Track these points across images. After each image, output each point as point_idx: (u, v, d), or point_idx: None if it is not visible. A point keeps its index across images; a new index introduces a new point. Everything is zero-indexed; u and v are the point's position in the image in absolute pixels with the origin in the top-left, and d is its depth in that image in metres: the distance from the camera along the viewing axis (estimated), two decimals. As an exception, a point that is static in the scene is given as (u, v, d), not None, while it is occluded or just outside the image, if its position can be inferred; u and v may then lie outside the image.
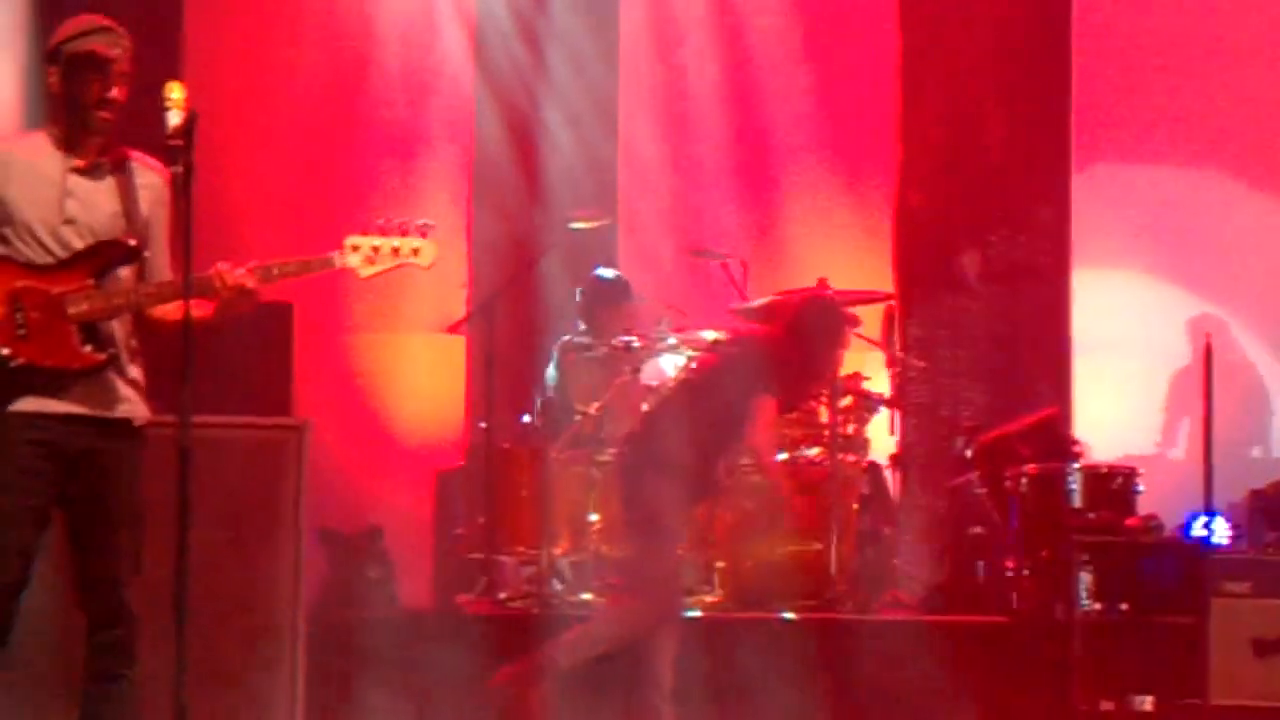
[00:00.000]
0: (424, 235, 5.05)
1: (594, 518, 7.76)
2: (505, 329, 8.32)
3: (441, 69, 9.69)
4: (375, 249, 5.00)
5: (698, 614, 7.41)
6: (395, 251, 5.02)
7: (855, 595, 7.72)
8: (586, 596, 7.69)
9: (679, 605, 6.91)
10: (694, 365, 7.49)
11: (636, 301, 8.43)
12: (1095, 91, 9.75)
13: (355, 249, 4.99)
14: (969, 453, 8.33)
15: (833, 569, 7.65)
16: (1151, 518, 7.69)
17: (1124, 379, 9.63)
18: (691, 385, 7.03)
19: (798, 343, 6.86)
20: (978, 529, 8.02)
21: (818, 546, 7.69)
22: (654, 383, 7.95)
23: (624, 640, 6.66)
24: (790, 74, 9.66)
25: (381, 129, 9.65)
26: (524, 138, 9.47)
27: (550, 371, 8.32)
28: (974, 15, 9.63)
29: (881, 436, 8.39)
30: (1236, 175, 9.68)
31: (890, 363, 8.41)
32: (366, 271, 5.02)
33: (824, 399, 7.81)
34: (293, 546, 6.03)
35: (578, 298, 8.48)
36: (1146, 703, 7.15)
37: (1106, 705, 7.15)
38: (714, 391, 6.75)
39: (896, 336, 8.56)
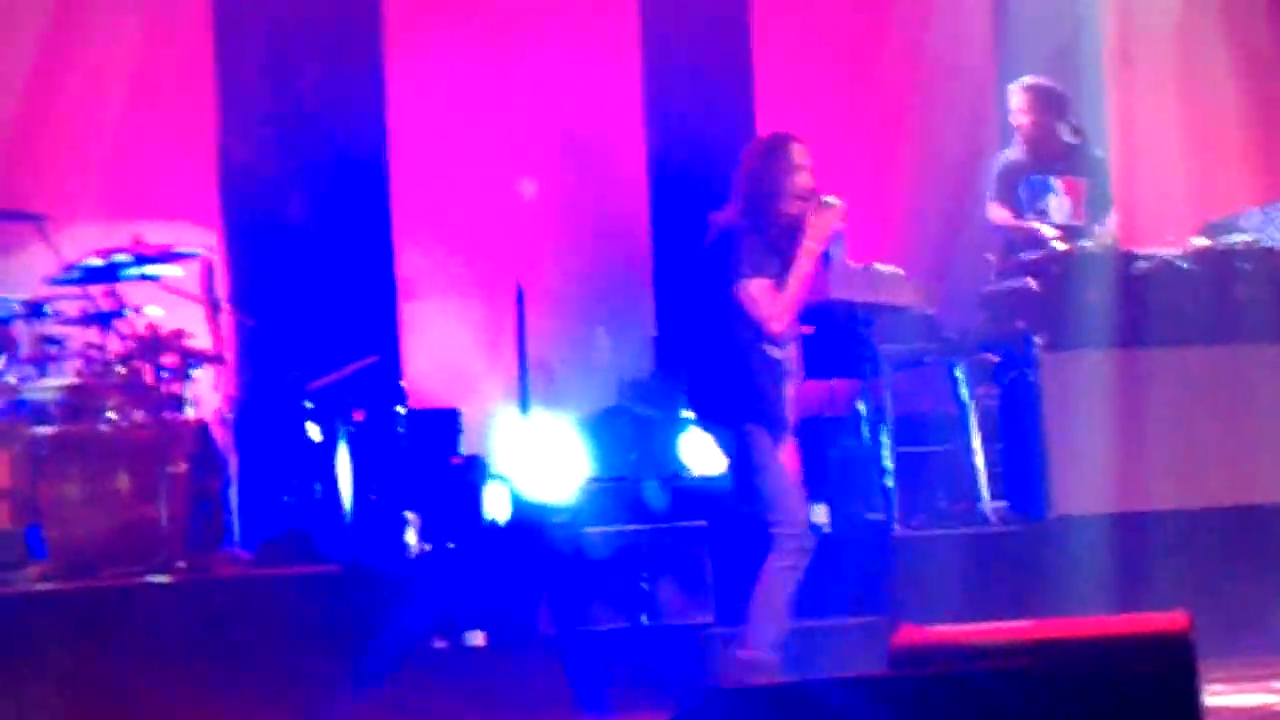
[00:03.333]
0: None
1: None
2: None
3: None
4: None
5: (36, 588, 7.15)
6: None
7: (188, 556, 7.61)
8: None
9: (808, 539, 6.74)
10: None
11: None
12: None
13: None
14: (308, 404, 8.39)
15: (164, 530, 7.52)
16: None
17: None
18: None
19: (741, 188, 6.83)
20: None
21: (149, 509, 7.55)
22: None
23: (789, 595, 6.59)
24: None
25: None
26: None
27: None
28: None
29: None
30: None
31: (211, 317, 8.30)
32: None
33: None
34: None
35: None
36: (478, 637, 7.39)
37: (440, 643, 7.35)
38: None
39: (219, 290, 8.46)
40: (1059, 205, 8.76)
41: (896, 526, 8.00)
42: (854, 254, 8.75)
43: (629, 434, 9.22)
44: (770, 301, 6.72)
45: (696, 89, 10.26)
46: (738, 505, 7.04)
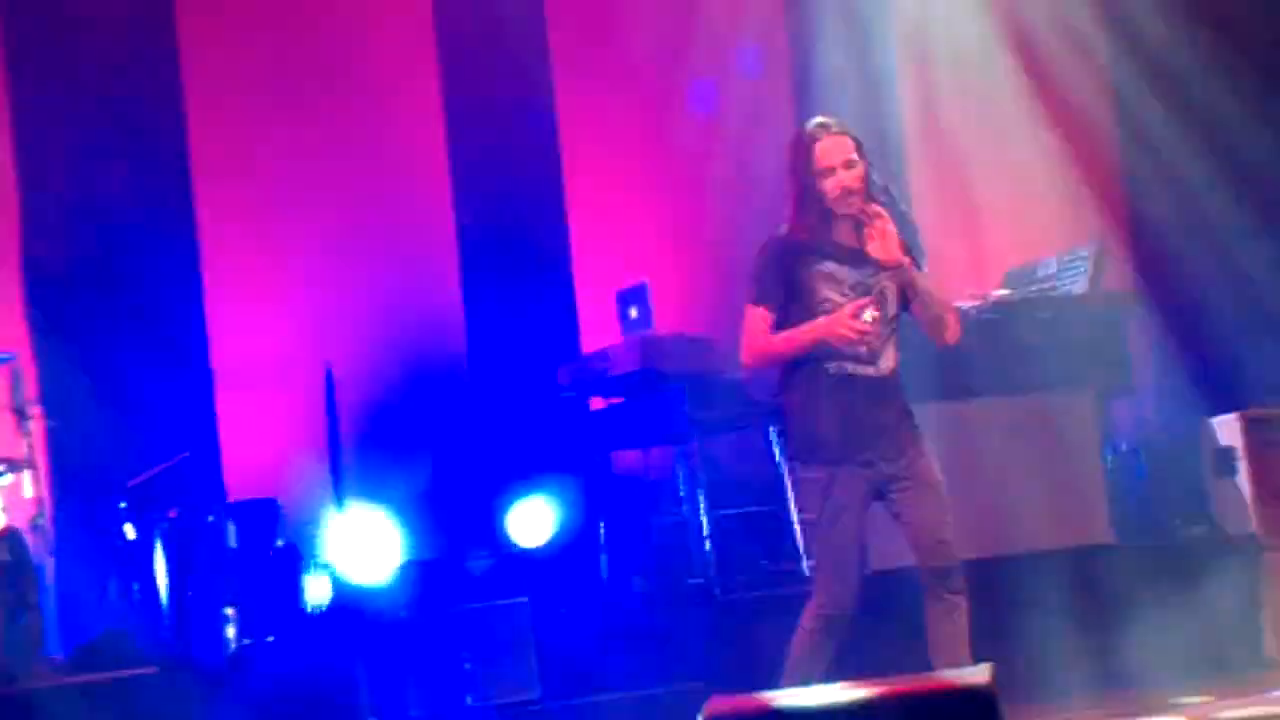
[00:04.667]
0: None
1: None
2: None
3: None
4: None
5: None
6: None
7: (4, 667, 7.49)
8: None
9: (845, 600, 6.05)
10: None
11: None
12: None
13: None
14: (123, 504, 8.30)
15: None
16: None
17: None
18: None
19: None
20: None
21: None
22: None
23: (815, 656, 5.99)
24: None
25: None
26: None
27: None
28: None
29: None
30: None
31: (17, 424, 8.21)
32: None
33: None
34: None
35: None
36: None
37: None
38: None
39: (26, 393, 8.36)
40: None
41: (716, 591, 8.06)
42: (664, 322, 8.87)
43: (449, 512, 9.22)
44: (752, 336, 6.05)
45: (505, 166, 10.30)
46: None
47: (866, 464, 5.97)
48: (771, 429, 8.38)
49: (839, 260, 6.00)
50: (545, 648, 7.65)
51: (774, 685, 5.73)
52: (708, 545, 8.14)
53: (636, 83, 10.40)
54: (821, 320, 5.91)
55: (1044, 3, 10.28)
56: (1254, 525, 8.43)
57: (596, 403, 9.15)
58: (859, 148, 6.00)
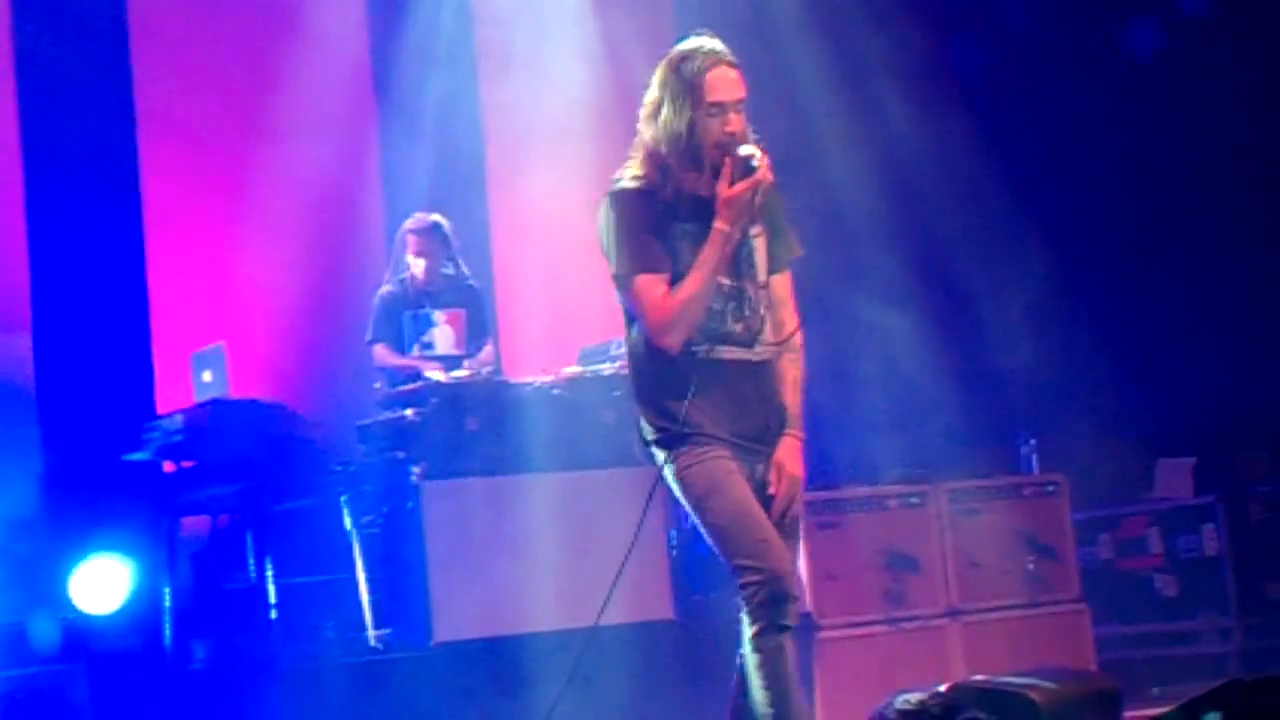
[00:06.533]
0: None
1: None
2: None
3: None
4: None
5: None
6: None
7: None
8: None
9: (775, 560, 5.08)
10: None
11: None
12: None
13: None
14: None
15: None
16: None
17: None
18: None
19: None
20: None
21: None
22: None
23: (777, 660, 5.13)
24: None
25: None
26: None
27: None
28: None
29: None
30: None
31: None
32: None
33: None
34: None
35: None
36: None
37: None
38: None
39: None
40: (442, 336, 9.00)
41: (281, 660, 8.00)
42: (241, 386, 8.80)
43: (12, 575, 8.93)
44: (654, 303, 5.11)
45: (82, 220, 10.04)
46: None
47: (741, 454, 5.22)
48: (343, 496, 8.37)
49: (701, 220, 5.13)
50: (103, 716, 7.49)
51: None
52: (274, 614, 8.07)
53: (220, 134, 10.32)
54: (717, 227, 5.06)
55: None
56: (809, 604, 8.71)
57: (169, 466, 9.00)
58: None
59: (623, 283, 5.17)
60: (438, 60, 10.66)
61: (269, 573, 8.17)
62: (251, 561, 8.38)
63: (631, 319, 5.28)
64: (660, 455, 5.28)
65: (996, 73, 10.85)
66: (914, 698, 6.17)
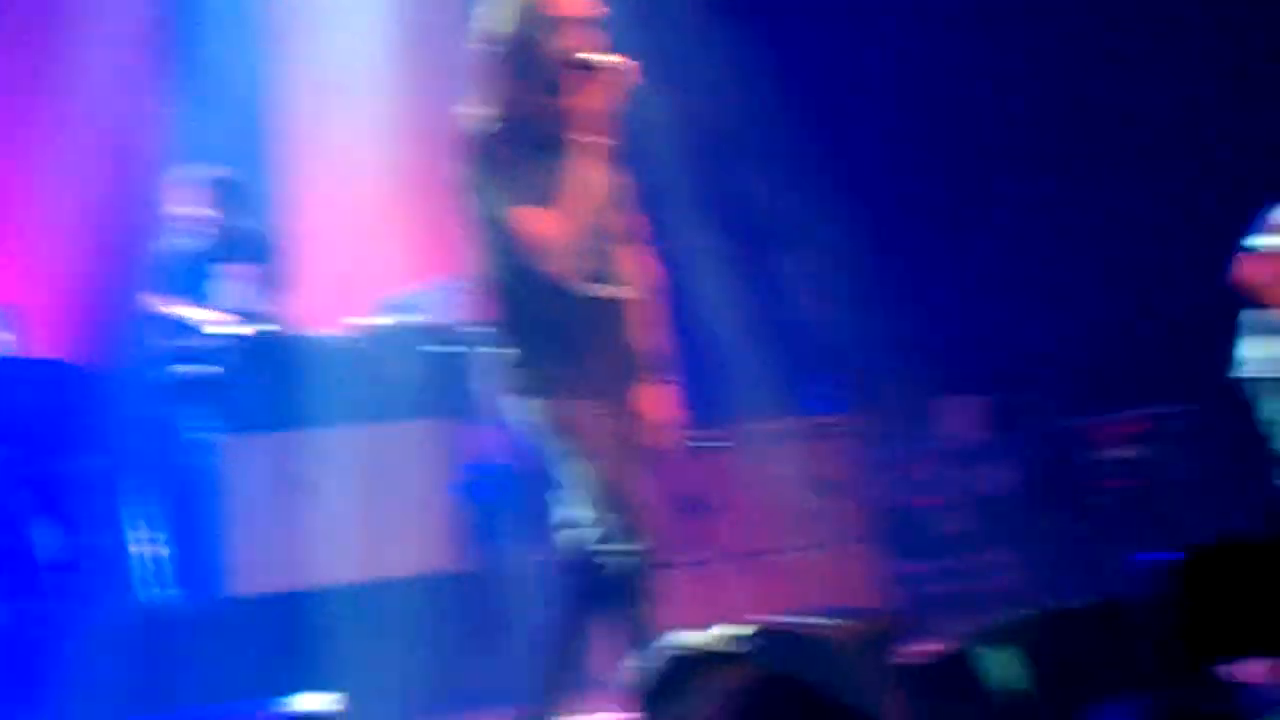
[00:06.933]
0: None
1: None
2: None
3: None
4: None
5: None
6: None
7: None
8: None
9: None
10: None
11: None
12: None
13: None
14: None
15: None
16: None
17: None
18: None
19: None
20: None
21: None
22: None
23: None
24: None
25: None
26: None
27: None
28: None
29: None
30: None
31: None
32: None
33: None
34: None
35: None
36: None
37: None
38: None
39: None
40: (235, 290, 8.92)
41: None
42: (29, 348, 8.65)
43: None
44: (541, 231, 4.84)
45: None
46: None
47: (598, 398, 5.09)
48: (133, 453, 8.29)
49: (555, 151, 4.88)
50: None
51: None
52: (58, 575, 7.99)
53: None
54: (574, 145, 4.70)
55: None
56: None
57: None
58: None
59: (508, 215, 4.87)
60: (232, 10, 10.52)
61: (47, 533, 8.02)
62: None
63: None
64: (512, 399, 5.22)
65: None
66: (691, 639, 6.24)
